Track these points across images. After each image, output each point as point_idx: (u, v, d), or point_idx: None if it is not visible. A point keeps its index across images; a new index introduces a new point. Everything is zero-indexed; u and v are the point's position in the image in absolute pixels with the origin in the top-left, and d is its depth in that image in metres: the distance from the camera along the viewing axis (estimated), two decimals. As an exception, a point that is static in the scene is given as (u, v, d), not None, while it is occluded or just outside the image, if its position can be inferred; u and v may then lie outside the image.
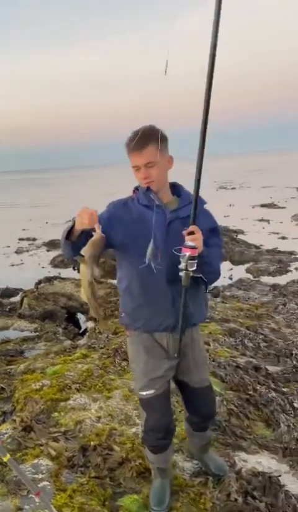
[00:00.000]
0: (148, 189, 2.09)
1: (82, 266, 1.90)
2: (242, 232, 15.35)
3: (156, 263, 1.97)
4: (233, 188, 31.05)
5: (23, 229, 18.83)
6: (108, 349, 4.49)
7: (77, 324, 7.11)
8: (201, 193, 2.19)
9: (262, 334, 5.29)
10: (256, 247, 12.82)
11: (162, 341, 2.22)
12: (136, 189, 2.20)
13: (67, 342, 5.31)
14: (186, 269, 1.97)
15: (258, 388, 3.75)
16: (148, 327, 2.20)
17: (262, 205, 21.56)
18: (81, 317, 7.57)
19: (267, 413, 3.39)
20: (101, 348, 4.61)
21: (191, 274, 1.98)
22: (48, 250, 14.83)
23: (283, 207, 21.16)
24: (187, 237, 1.96)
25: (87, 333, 5.37)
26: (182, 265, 1.97)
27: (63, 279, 7.88)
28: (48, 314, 7.10)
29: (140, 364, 2.27)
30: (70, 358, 4.34)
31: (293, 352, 4.68)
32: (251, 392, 3.69)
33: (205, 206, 2.23)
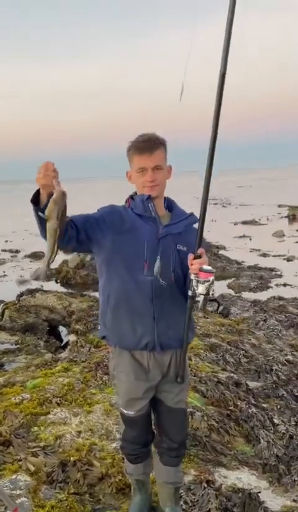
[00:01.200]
0: (148, 198, 2.07)
1: (47, 224, 1.81)
2: (224, 248, 15.52)
3: (163, 280, 1.99)
4: (215, 204, 31.40)
5: (6, 241, 18.70)
6: (90, 363, 4.47)
7: (58, 337, 7.07)
8: (184, 208, 2.24)
9: (243, 350, 5.34)
10: (238, 263, 12.96)
11: (142, 360, 2.14)
12: (131, 197, 2.17)
13: (49, 355, 5.27)
14: (206, 294, 1.94)
15: (239, 403, 3.78)
16: (126, 344, 2.13)
17: (244, 222, 21.84)
18: (62, 329, 7.53)
19: (247, 429, 3.41)
20: (83, 361, 4.59)
21: (209, 297, 1.96)
22: (31, 262, 14.75)
23: (264, 224, 21.46)
24: (195, 261, 1.92)
25: (68, 347, 5.34)
26: (201, 290, 1.93)
27: (45, 291, 7.84)
28: (30, 327, 7.04)
29: (120, 382, 2.22)
30: (51, 371, 4.31)
31: (274, 368, 4.72)
32: (231, 407, 3.71)
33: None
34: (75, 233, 1.95)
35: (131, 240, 2.05)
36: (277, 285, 10.76)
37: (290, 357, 5.26)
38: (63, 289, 10.24)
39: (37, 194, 1.84)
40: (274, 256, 14.12)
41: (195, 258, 1.94)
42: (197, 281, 1.93)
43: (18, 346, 5.86)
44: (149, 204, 2.08)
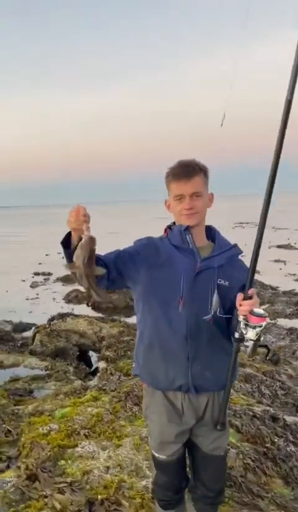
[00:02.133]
0: (187, 228, 1.95)
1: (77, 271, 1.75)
2: (258, 272, 15.17)
3: (200, 318, 1.88)
4: (243, 226, 31.04)
5: (39, 263, 18.93)
6: (119, 392, 4.34)
7: (88, 363, 6.97)
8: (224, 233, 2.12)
9: (279, 381, 5.10)
10: (273, 288, 12.64)
11: (176, 401, 2.01)
12: (169, 227, 2.06)
13: (78, 383, 5.17)
14: (257, 340, 1.77)
15: (276, 440, 3.56)
16: (158, 384, 2.01)
17: (279, 246, 21.45)
18: (92, 354, 7.44)
19: (286, 469, 3.19)
20: (112, 390, 4.47)
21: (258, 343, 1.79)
22: (62, 285, 14.83)
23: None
24: (245, 302, 1.76)
25: (98, 374, 5.23)
26: (250, 335, 1.77)
27: (76, 316, 7.80)
28: (60, 352, 6.98)
29: (152, 422, 2.09)
30: (80, 400, 4.20)
31: (312, 401, 4.48)
32: (268, 445, 3.49)
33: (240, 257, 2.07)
34: (105, 273, 1.88)
35: (166, 274, 1.94)
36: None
37: None
38: (94, 313, 10.20)
39: (68, 236, 1.79)
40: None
41: (245, 299, 1.77)
42: (246, 325, 1.77)
43: (47, 372, 5.79)
44: (187, 235, 1.95)
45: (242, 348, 1.84)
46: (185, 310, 1.91)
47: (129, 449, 3.31)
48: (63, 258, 1.87)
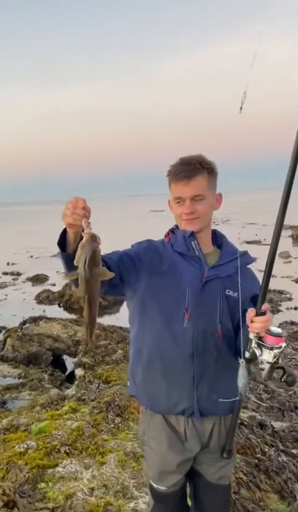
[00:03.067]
0: (192, 234, 1.73)
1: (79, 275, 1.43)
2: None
3: (207, 333, 1.69)
4: (216, 224, 31.11)
5: (8, 263, 18.41)
6: (99, 402, 4.11)
7: (63, 368, 6.70)
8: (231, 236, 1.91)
9: (262, 384, 4.98)
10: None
11: (178, 426, 1.80)
12: (172, 231, 1.83)
13: (54, 391, 4.92)
14: (274, 363, 1.55)
15: (266, 450, 3.41)
16: (159, 407, 1.80)
17: (247, 242, 21.53)
18: (66, 358, 7.17)
19: (280, 482, 3.04)
20: (92, 400, 4.24)
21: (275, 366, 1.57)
22: (32, 285, 14.43)
23: (268, 245, 21.11)
24: (258, 319, 1.54)
25: (76, 382, 4.99)
26: (267, 357, 1.55)
27: (49, 319, 7.50)
28: (33, 357, 6.68)
29: (150, 450, 1.87)
30: (58, 412, 3.95)
31: (298, 405, 4.37)
32: (259, 455, 3.35)
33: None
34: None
35: (169, 283, 1.72)
36: (287, 309, 10.41)
37: (313, 390, 4.89)
38: (67, 315, 9.91)
39: (64, 235, 1.50)
40: (281, 277, 13.73)
41: (257, 315, 1.56)
42: (260, 345, 1.56)
43: (21, 380, 5.50)
44: (193, 242, 1.74)
45: (252, 369, 1.65)
46: (191, 324, 1.70)
47: (114, 467, 3.09)
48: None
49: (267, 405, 4.45)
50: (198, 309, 1.71)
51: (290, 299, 11.20)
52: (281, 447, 3.50)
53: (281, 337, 1.55)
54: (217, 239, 1.87)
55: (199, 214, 1.73)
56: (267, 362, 1.55)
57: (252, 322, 1.56)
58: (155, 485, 1.87)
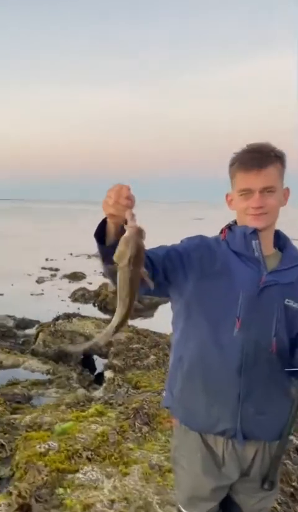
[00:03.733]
0: (254, 232, 1.52)
1: (118, 270, 1.28)
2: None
3: (260, 346, 1.48)
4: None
5: (47, 259, 18.58)
6: (127, 407, 3.92)
7: (92, 368, 6.56)
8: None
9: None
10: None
11: (216, 448, 1.59)
12: (229, 228, 1.62)
13: (81, 391, 4.76)
14: None
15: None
16: (196, 423, 1.59)
17: None
18: (96, 358, 7.04)
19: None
20: (119, 405, 4.05)
21: None
22: (69, 282, 14.47)
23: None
24: None
25: (104, 384, 4.82)
26: None
27: (83, 317, 7.39)
28: (63, 354, 6.58)
29: (181, 470, 1.66)
30: (83, 414, 3.78)
31: None
32: (295, 483, 3.06)
33: None
34: (151, 273, 1.41)
35: (221, 286, 1.52)
36: None
37: None
38: (101, 315, 9.80)
39: (103, 225, 1.33)
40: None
41: None
42: None
43: (49, 377, 5.38)
44: (254, 241, 1.52)
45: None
46: (241, 334, 1.49)
47: (137, 479, 2.89)
48: (90, 256, 1.39)
49: (305, 429, 4.14)
50: (252, 317, 1.49)
51: None
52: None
53: None
54: (280, 240, 1.64)
55: (269, 209, 1.51)
56: None
57: None
58: (184, 510, 1.65)
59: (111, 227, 1.31)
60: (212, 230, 1.73)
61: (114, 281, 1.30)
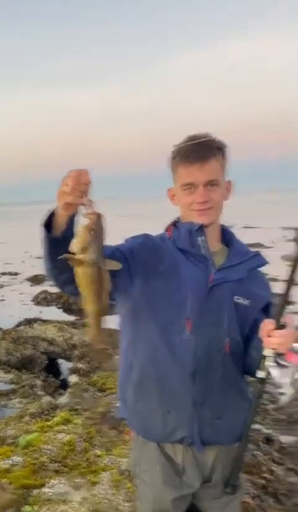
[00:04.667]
0: (200, 228, 1.45)
1: (80, 270, 1.18)
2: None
3: (213, 348, 1.42)
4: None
5: (5, 263, 18.12)
6: (93, 412, 3.83)
7: (58, 373, 6.42)
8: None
9: (267, 393, 4.69)
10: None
11: (175, 457, 1.52)
12: (174, 225, 1.55)
13: (46, 399, 4.62)
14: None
15: (274, 468, 3.13)
16: (153, 434, 1.51)
17: (249, 245, 21.19)
18: (62, 362, 6.89)
19: (290, 507, 2.76)
20: (85, 410, 3.95)
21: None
22: (31, 286, 14.15)
23: (270, 247, 20.84)
24: (278, 333, 1.29)
25: (69, 390, 4.70)
26: (287, 380, 1.28)
27: (45, 321, 7.22)
28: (27, 361, 6.39)
29: (143, 485, 1.58)
30: (48, 424, 3.66)
31: (307, 417, 4.09)
32: (266, 475, 3.06)
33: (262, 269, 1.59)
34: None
35: (169, 286, 1.44)
36: (292, 313, 10.13)
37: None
38: (66, 316, 9.62)
39: (52, 217, 1.23)
40: (284, 281, 13.45)
41: (277, 328, 1.30)
42: (280, 364, 1.30)
43: (12, 386, 5.20)
44: (200, 238, 1.45)
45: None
46: (193, 336, 1.43)
47: (107, 487, 2.80)
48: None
49: (273, 417, 4.16)
50: (203, 318, 1.43)
51: (292, 302, 10.91)
52: (290, 465, 3.22)
53: None
54: (226, 236, 1.59)
55: (213, 204, 1.45)
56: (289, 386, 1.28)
57: (269, 336, 1.30)
58: None
59: (62, 219, 1.21)
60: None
61: (71, 280, 1.21)
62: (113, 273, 1.36)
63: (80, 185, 1.13)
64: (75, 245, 1.15)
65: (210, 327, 1.44)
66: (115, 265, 1.24)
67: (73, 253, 1.17)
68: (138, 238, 1.53)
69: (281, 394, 1.31)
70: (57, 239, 1.21)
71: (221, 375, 1.46)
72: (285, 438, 3.70)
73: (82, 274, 1.19)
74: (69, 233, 1.20)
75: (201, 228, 1.45)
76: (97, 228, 1.14)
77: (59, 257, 1.18)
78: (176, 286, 1.44)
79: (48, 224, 1.23)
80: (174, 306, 1.44)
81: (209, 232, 1.48)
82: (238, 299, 1.47)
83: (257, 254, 1.56)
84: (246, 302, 1.48)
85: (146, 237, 1.54)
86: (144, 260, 1.45)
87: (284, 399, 1.31)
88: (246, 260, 1.51)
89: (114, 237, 1.55)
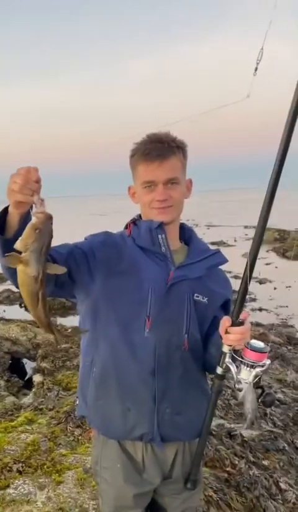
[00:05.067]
0: (160, 226, 1.47)
1: (19, 269, 1.16)
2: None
3: (172, 345, 1.46)
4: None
5: None
6: (58, 411, 3.81)
7: (22, 373, 6.33)
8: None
9: (229, 388, 4.79)
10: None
11: (135, 454, 1.55)
12: (134, 223, 1.57)
13: (10, 399, 4.56)
14: (256, 383, 1.32)
15: (236, 462, 3.21)
16: (113, 431, 1.54)
17: (212, 243, 21.53)
18: (26, 362, 6.81)
19: (252, 499, 2.83)
20: (50, 410, 3.92)
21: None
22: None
23: (232, 246, 21.20)
24: (234, 330, 1.31)
25: (33, 389, 4.65)
26: (245, 375, 1.32)
27: (7, 320, 7.12)
28: (-11, 361, 6.28)
29: (104, 483, 1.60)
30: (12, 424, 3.62)
31: (267, 411, 4.19)
32: (229, 468, 3.14)
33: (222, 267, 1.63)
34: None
35: (128, 284, 1.47)
36: (252, 310, 10.33)
37: (281, 396, 4.73)
38: (28, 316, 9.50)
39: (3, 215, 1.20)
40: (239, 278, 13.69)
41: (234, 325, 1.33)
42: (239, 361, 1.35)
43: (-26, 388, 5.11)
44: (160, 236, 1.47)
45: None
46: (153, 333, 1.45)
47: (72, 486, 2.80)
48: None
49: (235, 412, 4.26)
50: (162, 316, 1.46)
51: (254, 299, 11.14)
52: (252, 459, 3.31)
53: (264, 352, 1.33)
54: (185, 234, 1.62)
55: (173, 202, 1.48)
56: (246, 382, 1.33)
57: (227, 332, 1.33)
58: None
59: (14, 217, 1.18)
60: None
61: (12, 271, 1.18)
62: (73, 271, 1.38)
63: (29, 183, 1.11)
64: (18, 243, 1.14)
65: (169, 325, 1.47)
66: (58, 269, 1.22)
67: (19, 252, 1.15)
68: (98, 236, 1.55)
69: (239, 390, 1.35)
70: (9, 239, 1.18)
71: (181, 372, 1.49)
72: (247, 433, 3.79)
73: (19, 274, 1.17)
74: (20, 233, 1.17)
75: (161, 226, 1.47)
76: (43, 228, 1.13)
77: (4, 254, 1.15)
78: (136, 284, 1.46)
79: (2, 224, 1.21)
80: (134, 305, 1.46)
81: (169, 230, 1.51)
82: (198, 296, 1.50)
83: (217, 252, 1.59)
84: (204, 299, 1.51)
85: (106, 234, 1.56)
86: (104, 257, 1.47)
87: (240, 395, 1.36)
88: (205, 258, 1.54)
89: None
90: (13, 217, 1.19)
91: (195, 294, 1.51)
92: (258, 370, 1.31)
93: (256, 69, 1.15)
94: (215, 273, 1.57)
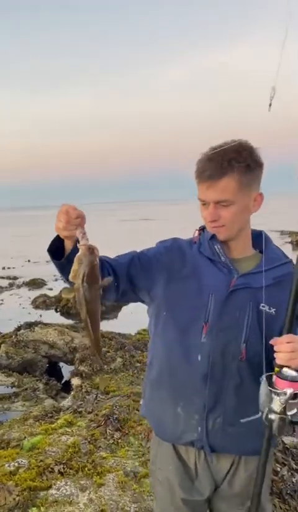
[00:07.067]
0: (213, 237, 1.45)
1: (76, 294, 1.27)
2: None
3: (228, 354, 1.43)
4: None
5: (3, 267, 18.11)
6: (97, 414, 3.83)
7: (59, 376, 6.41)
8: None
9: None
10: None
11: (188, 459, 1.52)
12: (202, 229, 1.54)
13: (49, 402, 4.63)
14: (282, 414, 1.21)
15: (278, 469, 3.14)
16: (166, 434, 1.52)
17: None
18: (63, 365, 6.89)
19: (295, 507, 2.77)
20: (89, 413, 3.95)
21: (289, 419, 1.23)
22: (29, 290, 14.16)
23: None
24: (283, 348, 1.24)
25: (72, 393, 4.70)
26: (275, 406, 1.22)
27: (45, 324, 7.22)
28: (28, 364, 6.39)
29: (157, 484, 1.59)
30: (52, 426, 3.66)
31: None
32: (271, 476, 3.07)
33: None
34: (113, 282, 1.37)
35: (189, 290, 1.45)
36: None
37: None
38: (64, 320, 9.63)
39: (57, 242, 1.33)
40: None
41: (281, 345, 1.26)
42: (272, 387, 1.24)
43: (14, 390, 5.20)
44: (216, 246, 1.45)
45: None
46: (209, 339, 1.43)
47: (113, 489, 2.81)
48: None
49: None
50: (220, 322, 1.43)
51: None
52: (294, 466, 3.23)
53: (293, 381, 1.22)
54: (259, 241, 1.54)
55: (225, 222, 1.43)
56: (274, 412, 1.23)
57: (278, 351, 1.27)
58: None
59: (68, 243, 1.31)
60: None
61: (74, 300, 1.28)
62: (135, 277, 1.45)
63: (71, 220, 1.22)
64: (70, 275, 1.25)
65: (227, 332, 1.42)
66: (106, 280, 1.28)
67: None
68: (166, 242, 1.57)
69: (271, 421, 1.25)
70: (62, 263, 1.31)
71: (237, 382, 1.44)
72: (288, 440, 3.71)
73: (77, 300, 1.28)
74: (72, 257, 1.26)
75: (214, 237, 1.46)
76: (84, 259, 1.22)
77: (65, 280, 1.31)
78: (196, 289, 1.45)
79: (57, 249, 1.33)
80: (193, 309, 1.45)
81: (234, 241, 1.48)
82: (263, 306, 1.42)
83: (288, 262, 1.49)
84: (271, 310, 1.43)
85: (173, 240, 1.57)
86: (167, 262, 1.49)
87: (274, 427, 1.25)
88: (275, 267, 1.46)
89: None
90: (67, 245, 1.31)
91: (261, 304, 1.42)
92: (282, 398, 1.21)
93: (270, 105, 1.15)
94: (286, 283, 1.40)
